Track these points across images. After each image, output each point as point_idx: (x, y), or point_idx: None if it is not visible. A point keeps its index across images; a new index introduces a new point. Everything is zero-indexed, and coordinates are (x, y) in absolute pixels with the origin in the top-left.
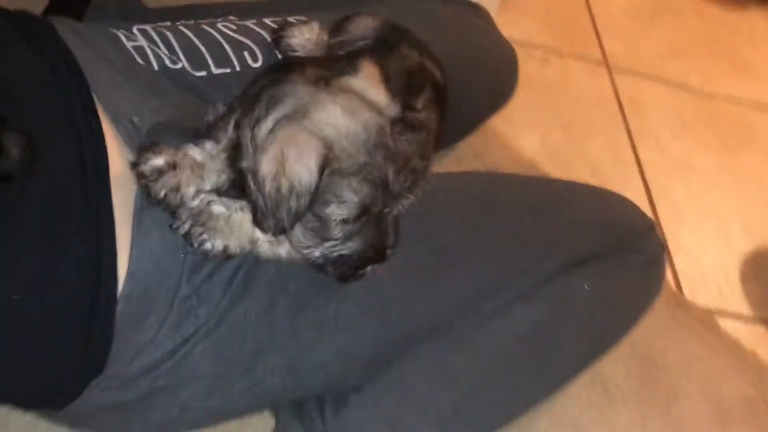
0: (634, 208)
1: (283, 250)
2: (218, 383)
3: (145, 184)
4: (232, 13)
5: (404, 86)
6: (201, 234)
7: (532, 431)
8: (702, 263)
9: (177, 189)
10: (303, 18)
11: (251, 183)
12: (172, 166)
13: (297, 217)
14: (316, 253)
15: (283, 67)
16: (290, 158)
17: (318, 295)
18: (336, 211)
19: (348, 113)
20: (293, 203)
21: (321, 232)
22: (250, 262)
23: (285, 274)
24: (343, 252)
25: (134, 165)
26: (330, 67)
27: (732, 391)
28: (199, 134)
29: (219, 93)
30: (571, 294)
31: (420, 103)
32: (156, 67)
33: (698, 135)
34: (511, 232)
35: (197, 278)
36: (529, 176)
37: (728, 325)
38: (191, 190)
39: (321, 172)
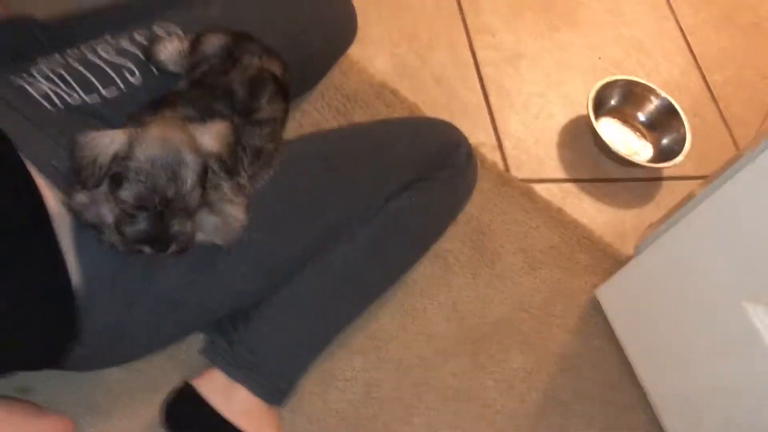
0: (447, 128)
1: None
2: (156, 328)
3: (75, 215)
4: (106, 30)
5: (248, 95)
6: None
7: (386, 301)
8: (526, 142)
9: (99, 216)
10: (167, 24)
11: (72, 151)
12: (93, 200)
13: (94, 183)
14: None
15: (163, 103)
16: (98, 140)
17: (214, 257)
18: (121, 193)
19: (163, 143)
20: (89, 171)
21: (115, 208)
22: None
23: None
24: (126, 229)
25: (65, 202)
26: (200, 107)
27: (541, 242)
28: None
29: (114, 112)
30: (399, 213)
31: (264, 100)
32: (62, 107)
33: (528, 21)
34: (347, 180)
35: (127, 269)
36: (356, 126)
37: (545, 190)
38: (109, 214)
39: (113, 160)
